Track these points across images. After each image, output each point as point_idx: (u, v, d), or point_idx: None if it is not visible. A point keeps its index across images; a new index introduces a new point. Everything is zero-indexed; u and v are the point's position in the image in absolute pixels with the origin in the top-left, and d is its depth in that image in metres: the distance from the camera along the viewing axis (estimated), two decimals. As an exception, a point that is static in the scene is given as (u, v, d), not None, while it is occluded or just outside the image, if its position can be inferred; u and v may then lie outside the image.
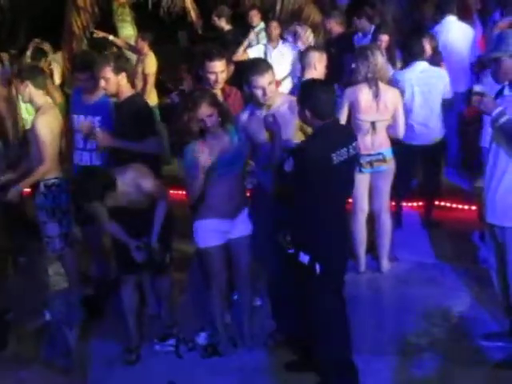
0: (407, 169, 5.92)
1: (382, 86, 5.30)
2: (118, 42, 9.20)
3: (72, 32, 9.59)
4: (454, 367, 4.38)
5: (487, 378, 4.30)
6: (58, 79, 8.39)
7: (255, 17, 8.83)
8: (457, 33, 7.39)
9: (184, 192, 5.95)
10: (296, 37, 8.46)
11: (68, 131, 5.40)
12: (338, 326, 4.09)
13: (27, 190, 5.49)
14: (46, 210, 5.12)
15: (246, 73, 4.42)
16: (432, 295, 5.26)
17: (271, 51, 8.09)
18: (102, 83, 4.81)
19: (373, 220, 5.66)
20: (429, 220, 6.47)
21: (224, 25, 8.83)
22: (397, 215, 6.24)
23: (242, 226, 4.51)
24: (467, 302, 5.17)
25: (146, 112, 4.99)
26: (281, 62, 7.65)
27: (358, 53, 5.43)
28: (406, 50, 6.14)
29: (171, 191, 5.24)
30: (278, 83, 4.55)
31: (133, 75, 6.68)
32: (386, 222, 5.60)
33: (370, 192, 5.56)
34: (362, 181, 5.36)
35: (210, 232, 4.41)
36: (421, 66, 5.98)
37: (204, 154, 4.22)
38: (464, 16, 7.85)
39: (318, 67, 5.18)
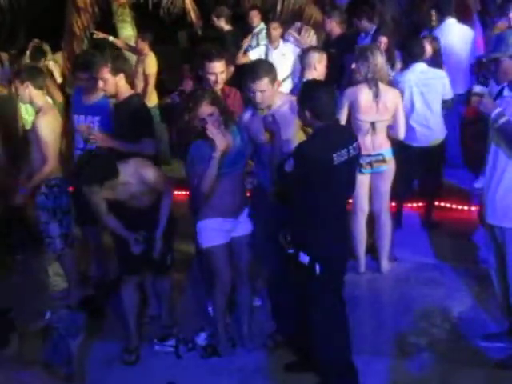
0: (407, 170, 5.92)
1: (382, 86, 5.30)
2: (118, 43, 9.20)
3: (72, 32, 9.60)
4: (453, 367, 4.39)
5: (487, 378, 4.30)
6: (58, 77, 8.38)
7: (255, 17, 8.83)
8: (457, 35, 7.40)
9: (184, 192, 5.98)
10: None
11: (68, 131, 5.40)
12: (338, 327, 4.10)
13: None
14: (47, 211, 5.13)
15: (244, 76, 4.44)
16: (432, 296, 5.27)
17: (272, 52, 8.09)
18: (101, 84, 4.81)
19: (373, 221, 5.66)
20: (429, 220, 6.47)
21: (223, 25, 8.83)
22: (397, 215, 6.25)
23: (243, 225, 4.52)
24: (467, 302, 5.17)
25: (143, 113, 4.99)
26: (282, 62, 7.64)
27: (358, 53, 5.43)
28: (406, 51, 6.14)
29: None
30: (279, 83, 4.54)
31: (132, 76, 6.69)
32: (386, 222, 5.60)
33: (370, 192, 5.56)
34: (362, 181, 5.36)
35: (214, 231, 4.41)
36: (420, 67, 5.98)
37: (218, 137, 4.19)
38: (464, 17, 7.86)
39: (318, 68, 5.18)
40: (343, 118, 5.26)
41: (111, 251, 5.05)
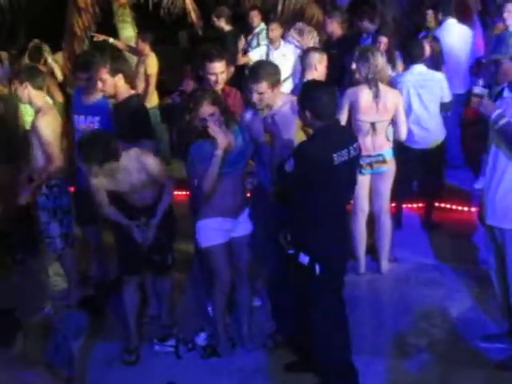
0: (407, 171, 5.92)
1: (382, 87, 5.31)
2: (119, 44, 9.19)
3: (73, 32, 9.59)
4: (453, 368, 4.39)
5: (487, 379, 4.31)
6: (59, 75, 8.38)
7: (256, 17, 8.82)
8: (457, 35, 7.40)
9: (184, 192, 5.99)
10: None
11: (69, 131, 5.41)
12: (338, 327, 4.10)
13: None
14: (47, 211, 5.14)
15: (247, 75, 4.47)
16: (432, 296, 5.27)
17: (273, 52, 8.09)
18: (99, 85, 4.82)
19: (373, 221, 5.66)
20: (429, 221, 6.47)
21: (224, 25, 8.83)
22: (397, 216, 6.25)
23: (243, 225, 4.52)
24: (467, 303, 5.17)
25: (141, 114, 5.00)
26: (282, 62, 7.63)
27: (359, 54, 5.43)
28: (406, 52, 6.15)
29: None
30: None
31: (133, 76, 6.69)
32: (386, 223, 5.60)
33: (370, 193, 5.56)
34: (363, 182, 5.36)
35: (213, 231, 4.42)
36: (418, 68, 5.98)
37: (220, 135, 4.20)
38: (464, 17, 7.87)
39: (318, 68, 5.18)
40: (344, 119, 5.26)
41: (111, 251, 5.05)
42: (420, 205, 6.73)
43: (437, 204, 6.59)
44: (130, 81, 5.26)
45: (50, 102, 5.92)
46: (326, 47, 7.25)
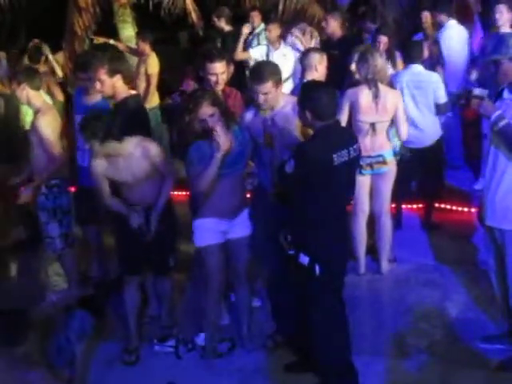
0: (406, 171, 5.92)
1: (381, 87, 5.31)
2: (120, 45, 9.19)
3: (74, 32, 9.61)
4: (453, 369, 4.39)
5: (486, 380, 4.30)
6: (60, 73, 8.37)
7: (256, 18, 8.81)
8: (457, 36, 7.41)
9: (184, 192, 5.99)
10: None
11: (69, 131, 5.41)
12: (338, 327, 4.10)
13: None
14: (47, 211, 5.15)
15: (249, 76, 4.46)
16: (431, 297, 5.27)
17: (273, 52, 8.08)
18: (98, 85, 4.82)
19: (373, 222, 5.66)
20: (429, 222, 6.47)
21: (224, 25, 8.83)
22: (397, 217, 6.25)
23: (241, 227, 4.51)
24: (466, 304, 5.17)
25: (140, 114, 5.00)
26: (283, 63, 7.62)
27: (359, 54, 5.43)
28: (405, 52, 6.16)
29: (171, 192, 5.23)
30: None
31: (133, 76, 6.69)
32: (387, 223, 5.60)
33: (370, 193, 5.56)
34: (363, 182, 5.36)
35: (209, 231, 4.42)
36: (415, 69, 5.99)
37: (222, 137, 4.20)
38: (465, 18, 7.87)
39: (318, 68, 5.18)
40: (344, 119, 5.26)
41: (112, 251, 5.05)
42: (420, 205, 6.73)
43: (437, 205, 6.60)
44: (130, 81, 5.26)
45: (50, 101, 5.94)
46: (327, 48, 7.25)
